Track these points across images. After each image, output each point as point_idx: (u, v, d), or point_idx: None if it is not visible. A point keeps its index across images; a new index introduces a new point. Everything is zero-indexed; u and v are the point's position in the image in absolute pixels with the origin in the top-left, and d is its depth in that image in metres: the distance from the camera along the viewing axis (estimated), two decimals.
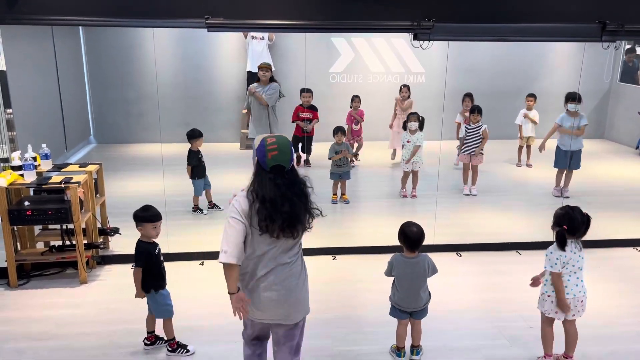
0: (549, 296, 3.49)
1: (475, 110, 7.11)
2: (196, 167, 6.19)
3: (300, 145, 8.32)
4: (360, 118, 8.34)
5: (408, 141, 6.93)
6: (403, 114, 8.15)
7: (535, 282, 3.65)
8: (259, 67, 7.31)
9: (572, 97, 6.90)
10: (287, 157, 2.68)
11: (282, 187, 2.67)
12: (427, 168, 7.11)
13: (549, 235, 3.58)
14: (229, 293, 2.74)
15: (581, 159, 7.05)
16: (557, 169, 7.15)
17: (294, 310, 2.90)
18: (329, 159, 6.70)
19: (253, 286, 2.83)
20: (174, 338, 3.76)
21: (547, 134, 7.24)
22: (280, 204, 2.65)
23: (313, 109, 8.23)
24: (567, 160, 7.00)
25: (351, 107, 8.38)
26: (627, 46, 10.13)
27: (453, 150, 8.20)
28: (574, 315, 3.51)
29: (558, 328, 3.62)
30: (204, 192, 6.39)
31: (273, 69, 9.44)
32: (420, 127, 7.09)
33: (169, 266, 3.84)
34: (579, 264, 3.46)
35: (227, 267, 2.69)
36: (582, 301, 3.49)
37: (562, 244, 3.41)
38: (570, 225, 3.40)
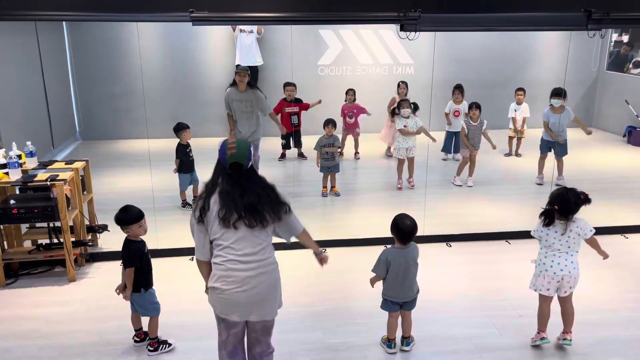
0: (540, 272, 3.56)
1: (474, 106, 7.07)
2: (182, 161, 6.13)
3: (286, 140, 8.23)
4: (353, 113, 8.21)
5: (405, 125, 6.91)
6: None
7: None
8: (237, 72, 6.56)
9: (556, 93, 6.94)
10: (245, 155, 2.85)
11: (241, 181, 2.84)
12: (416, 159, 7.08)
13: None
14: None
15: (569, 147, 7.09)
16: (539, 157, 7.18)
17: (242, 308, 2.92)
18: (314, 149, 6.67)
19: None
20: (157, 337, 3.74)
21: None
22: (239, 195, 2.80)
23: (298, 102, 8.17)
24: (552, 148, 7.04)
25: (345, 101, 8.33)
26: (620, 38, 10.17)
27: (442, 140, 8.23)
28: (565, 292, 3.59)
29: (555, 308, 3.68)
30: (192, 187, 6.36)
31: (261, 62, 9.42)
32: (414, 112, 7.09)
33: (158, 262, 3.81)
34: (567, 245, 3.50)
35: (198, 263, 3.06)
36: (568, 280, 3.54)
37: (546, 222, 3.47)
38: (562, 206, 3.42)
